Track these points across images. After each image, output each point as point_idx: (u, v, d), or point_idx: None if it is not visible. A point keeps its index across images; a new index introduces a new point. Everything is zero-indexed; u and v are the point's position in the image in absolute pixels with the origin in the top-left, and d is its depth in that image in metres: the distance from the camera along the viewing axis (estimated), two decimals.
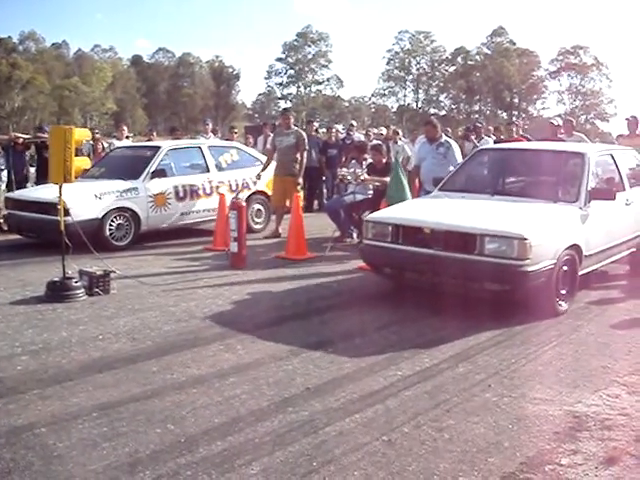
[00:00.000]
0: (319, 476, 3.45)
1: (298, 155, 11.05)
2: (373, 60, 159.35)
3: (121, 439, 3.83)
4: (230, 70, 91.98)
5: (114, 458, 3.62)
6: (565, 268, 6.50)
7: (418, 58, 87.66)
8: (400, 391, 4.58)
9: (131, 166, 10.85)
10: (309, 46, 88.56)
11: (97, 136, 14.63)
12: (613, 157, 7.94)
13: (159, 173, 10.58)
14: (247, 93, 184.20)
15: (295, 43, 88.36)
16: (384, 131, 17.09)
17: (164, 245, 10.51)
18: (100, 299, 7.05)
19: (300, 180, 11.26)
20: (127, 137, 14.85)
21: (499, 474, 3.49)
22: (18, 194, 11.13)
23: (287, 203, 10.71)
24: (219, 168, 11.57)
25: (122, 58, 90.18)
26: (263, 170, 11.32)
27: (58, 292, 6.97)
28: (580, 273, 6.82)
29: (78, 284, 7.09)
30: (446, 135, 10.45)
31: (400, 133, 17.13)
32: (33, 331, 5.93)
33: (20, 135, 13.32)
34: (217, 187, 11.26)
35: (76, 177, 7.34)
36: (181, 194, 10.87)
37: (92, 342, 5.64)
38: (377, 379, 4.80)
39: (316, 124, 19.18)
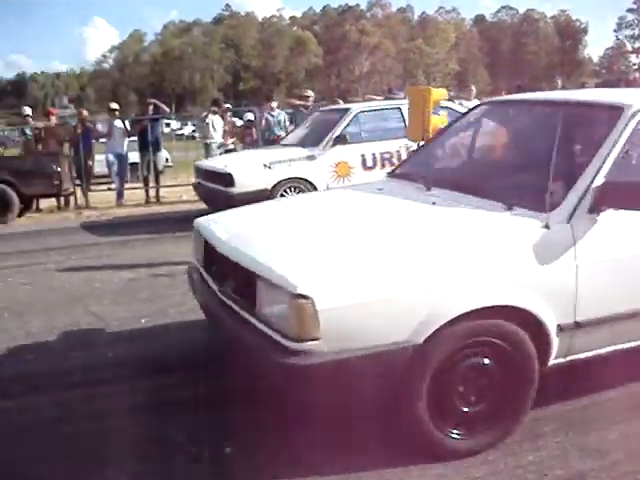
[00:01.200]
0: None
1: None
2: None
3: None
4: (577, 24, 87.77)
5: None
6: (473, 360, 2.95)
7: None
8: None
9: (317, 131, 9.86)
10: None
11: (451, 94, 14.89)
12: None
13: (342, 139, 9.35)
14: (594, 48, 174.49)
15: None
16: None
17: None
18: None
19: None
20: (476, 97, 14.91)
21: None
22: (202, 163, 10.73)
23: None
24: None
25: (465, 18, 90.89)
26: None
27: None
28: (580, 357, 3.25)
29: None
30: None
31: None
32: None
33: (374, 97, 14.07)
34: None
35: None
36: (369, 163, 9.46)
37: None
38: None
39: None
